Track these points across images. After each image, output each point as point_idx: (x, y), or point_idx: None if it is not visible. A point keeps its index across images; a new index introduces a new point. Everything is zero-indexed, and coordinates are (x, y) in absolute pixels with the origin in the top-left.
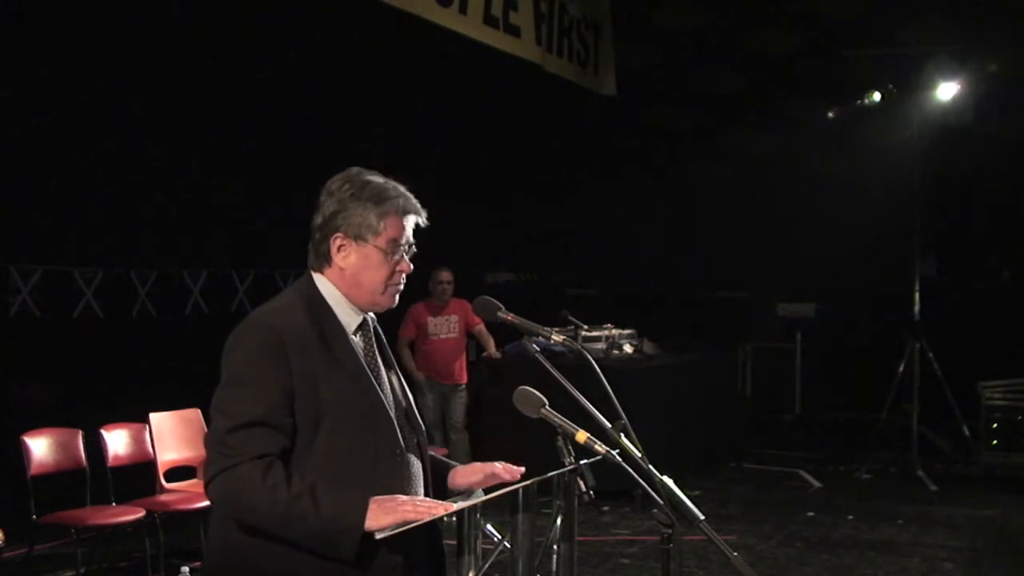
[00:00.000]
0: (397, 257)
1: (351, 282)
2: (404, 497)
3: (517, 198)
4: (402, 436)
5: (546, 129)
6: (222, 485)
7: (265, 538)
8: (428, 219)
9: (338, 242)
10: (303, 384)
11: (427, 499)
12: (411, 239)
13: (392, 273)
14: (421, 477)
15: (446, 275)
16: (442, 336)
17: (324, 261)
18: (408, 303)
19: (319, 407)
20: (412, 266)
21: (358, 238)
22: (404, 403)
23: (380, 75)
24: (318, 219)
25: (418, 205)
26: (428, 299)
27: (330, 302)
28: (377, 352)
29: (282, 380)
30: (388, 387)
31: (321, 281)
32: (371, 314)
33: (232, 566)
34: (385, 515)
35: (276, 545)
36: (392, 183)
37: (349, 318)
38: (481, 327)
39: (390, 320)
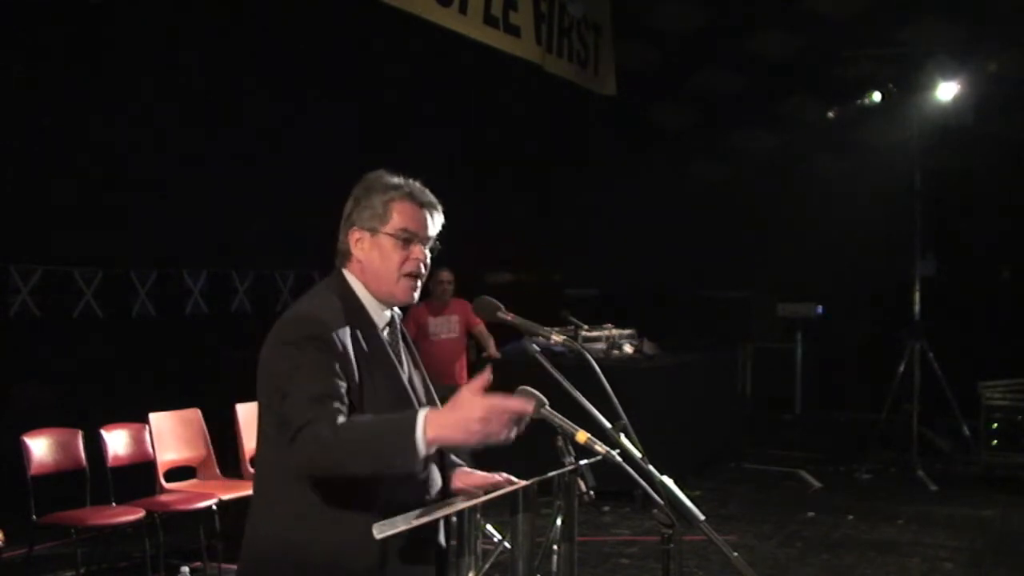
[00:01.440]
0: (407, 246)
1: (369, 274)
2: (467, 410)
3: (517, 198)
4: None
5: (546, 129)
6: (299, 444)
7: (302, 527)
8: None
9: (355, 235)
10: (346, 377)
11: (500, 402)
12: (431, 234)
13: (404, 261)
14: (439, 473)
15: (446, 275)
16: (442, 336)
17: (346, 257)
18: None
19: (361, 403)
20: (427, 256)
21: (371, 229)
22: (426, 401)
23: (381, 75)
24: (342, 221)
25: (430, 197)
26: (428, 299)
27: (362, 300)
28: (404, 351)
29: (337, 369)
30: (413, 385)
31: (349, 277)
32: (397, 312)
33: (270, 558)
34: (451, 428)
35: (314, 534)
36: (408, 180)
37: (378, 317)
38: (481, 327)
39: None
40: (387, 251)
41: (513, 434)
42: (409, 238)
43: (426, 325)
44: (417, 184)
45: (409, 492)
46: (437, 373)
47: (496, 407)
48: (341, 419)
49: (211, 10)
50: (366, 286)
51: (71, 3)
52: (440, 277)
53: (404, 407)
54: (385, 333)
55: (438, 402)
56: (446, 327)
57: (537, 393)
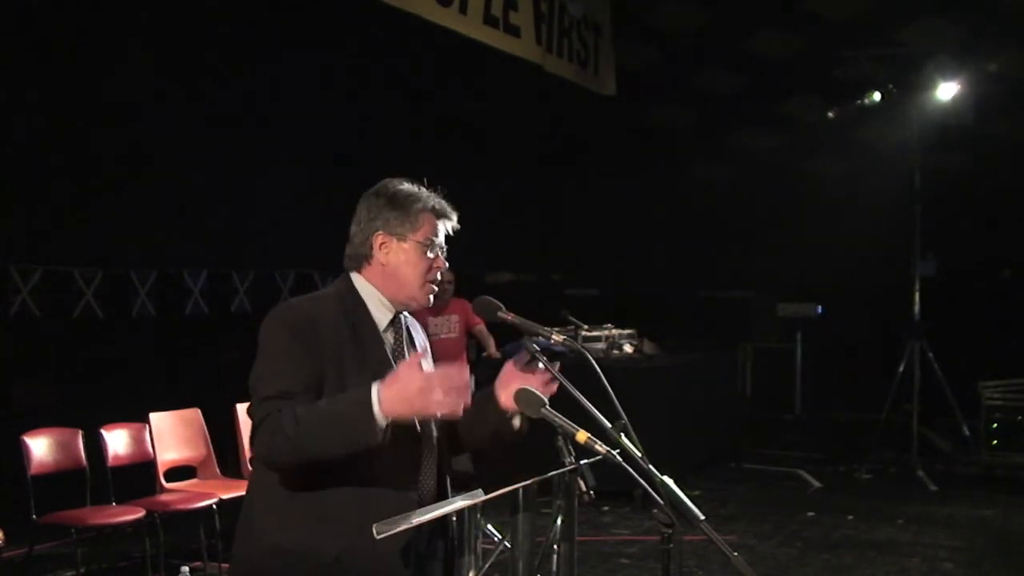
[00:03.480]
0: (432, 254)
1: (391, 277)
2: (418, 383)
3: (518, 198)
4: (420, 428)
5: (546, 129)
6: (260, 429)
7: (288, 535)
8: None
9: (380, 240)
10: (331, 370)
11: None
12: (443, 243)
13: (429, 269)
14: (436, 468)
15: (447, 275)
16: (442, 336)
17: (363, 260)
18: None
19: (334, 392)
20: (447, 264)
21: (398, 236)
22: None
23: (381, 75)
24: (355, 227)
25: (448, 209)
26: None
27: (365, 299)
28: (407, 349)
29: (312, 360)
30: None
31: (357, 279)
32: (405, 313)
33: (257, 567)
34: (402, 403)
35: (300, 541)
36: (424, 189)
37: (381, 315)
38: (481, 327)
39: None
40: (414, 258)
41: (461, 405)
42: (432, 247)
43: (426, 325)
44: (436, 194)
45: (400, 499)
46: None
47: (433, 377)
48: (300, 410)
49: (209, 11)
50: (382, 289)
51: (72, 3)
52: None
53: None
54: (388, 334)
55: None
56: (446, 327)
57: (537, 393)
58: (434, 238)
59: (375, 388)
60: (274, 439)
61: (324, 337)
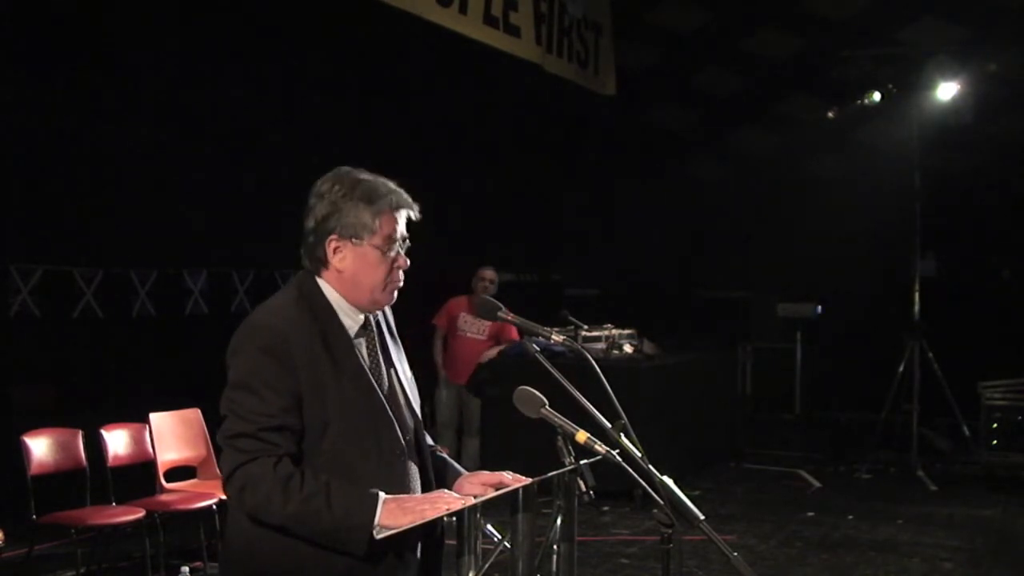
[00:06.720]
0: (393, 254)
1: (350, 284)
2: (420, 495)
3: (518, 198)
4: (402, 435)
5: (546, 129)
6: (239, 480)
7: (275, 532)
8: (428, 217)
9: (333, 245)
10: (310, 388)
11: (444, 493)
12: (405, 233)
13: (391, 270)
14: (419, 475)
15: (489, 273)
16: (469, 334)
17: (320, 264)
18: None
19: (326, 411)
20: (409, 261)
21: (354, 238)
22: (403, 399)
23: (381, 75)
24: (310, 222)
25: (409, 199)
26: (471, 295)
27: (333, 305)
28: (379, 350)
29: (289, 383)
30: (387, 385)
31: (321, 283)
32: (382, 313)
33: (242, 560)
34: (404, 514)
35: (285, 539)
36: (381, 179)
37: (351, 321)
38: (510, 340)
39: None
40: (373, 262)
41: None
42: (392, 247)
43: (456, 318)
44: (392, 184)
45: (395, 488)
46: (456, 372)
47: (447, 503)
48: (286, 463)
49: (207, 11)
50: (344, 295)
51: (70, 4)
52: (483, 275)
53: (374, 414)
54: (360, 337)
55: (414, 400)
56: (475, 327)
57: (537, 393)
58: (393, 235)
59: (378, 510)
60: (259, 504)
61: (297, 355)
